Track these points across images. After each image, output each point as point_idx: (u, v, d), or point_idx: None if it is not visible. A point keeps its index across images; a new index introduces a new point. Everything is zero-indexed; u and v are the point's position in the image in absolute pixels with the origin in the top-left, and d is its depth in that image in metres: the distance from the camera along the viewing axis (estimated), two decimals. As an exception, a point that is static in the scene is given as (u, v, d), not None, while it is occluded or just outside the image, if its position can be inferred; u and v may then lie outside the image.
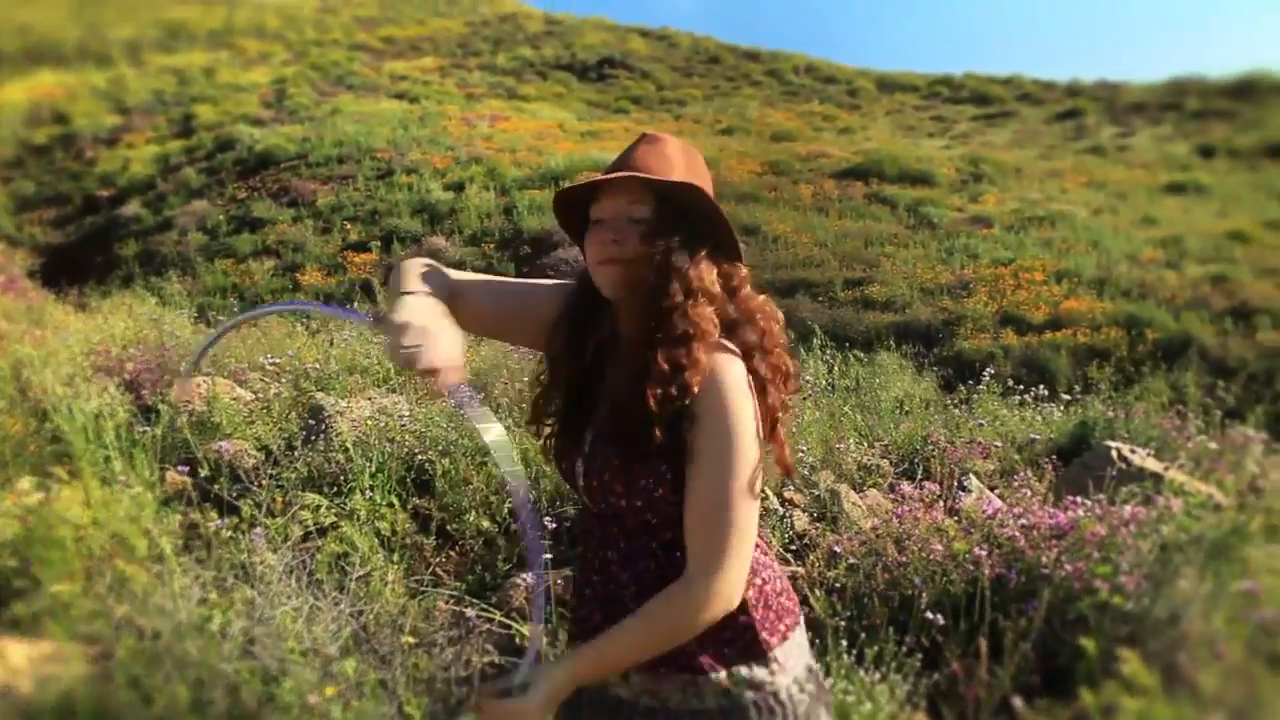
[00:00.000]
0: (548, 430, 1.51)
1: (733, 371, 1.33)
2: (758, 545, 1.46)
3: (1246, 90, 26.73)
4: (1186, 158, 22.89)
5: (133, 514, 2.91)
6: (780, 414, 1.43)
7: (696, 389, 1.30)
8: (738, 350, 1.37)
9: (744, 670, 1.38)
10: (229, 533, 2.60)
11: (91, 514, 2.86)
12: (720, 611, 1.32)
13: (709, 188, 1.41)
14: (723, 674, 1.37)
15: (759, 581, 1.43)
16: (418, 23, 38.66)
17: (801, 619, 1.50)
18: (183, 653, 2.11)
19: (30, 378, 4.44)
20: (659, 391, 1.30)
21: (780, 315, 1.45)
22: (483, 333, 1.63)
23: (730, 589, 1.31)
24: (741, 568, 1.32)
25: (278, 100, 26.08)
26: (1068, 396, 6.39)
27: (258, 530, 2.54)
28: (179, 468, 3.39)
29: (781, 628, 1.43)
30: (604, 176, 1.40)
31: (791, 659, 1.42)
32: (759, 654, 1.38)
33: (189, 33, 34.04)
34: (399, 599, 2.65)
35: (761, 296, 1.44)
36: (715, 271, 1.38)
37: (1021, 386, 6.33)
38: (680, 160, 1.41)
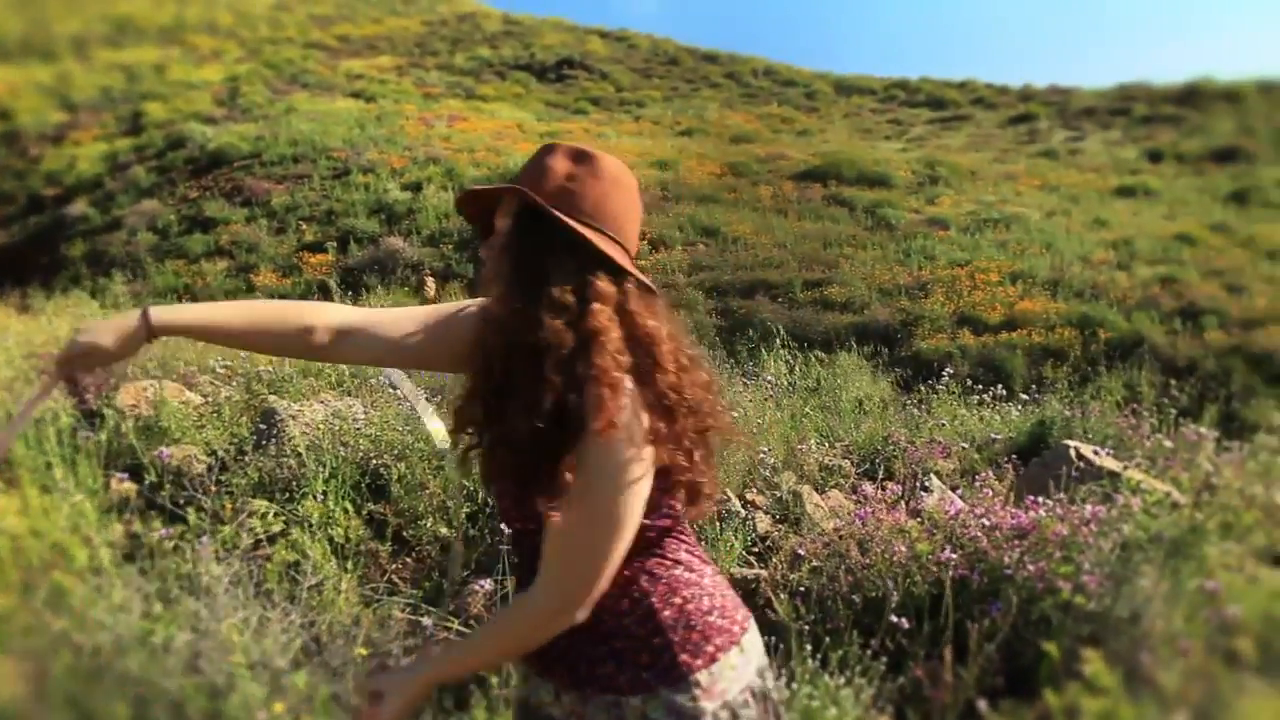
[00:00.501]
0: (464, 442, 1.45)
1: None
2: (682, 563, 1.41)
3: (1192, 96, 27.45)
4: (1135, 162, 23.39)
5: (73, 523, 2.80)
6: (677, 442, 1.31)
7: (546, 409, 1.24)
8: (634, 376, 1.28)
9: (663, 694, 1.33)
10: (174, 542, 2.51)
11: (29, 523, 2.74)
12: (561, 625, 1.29)
13: (609, 194, 1.34)
14: (638, 698, 1.33)
15: (679, 600, 1.37)
16: (374, 21, 38.22)
17: (744, 639, 1.41)
18: (123, 669, 2.02)
19: (-33, 382, 4.27)
20: (524, 420, 1.26)
21: (665, 337, 1.34)
22: (403, 363, 1.59)
23: (570, 607, 1.28)
24: (588, 589, 1.28)
25: (230, 98, 25.61)
26: (1025, 396, 6.47)
27: (204, 539, 2.45)
28: (122, 475, 3.27)
29: (709, 649, 1.36)
30: (461, 193, 1.41)
31: (721, 682, 1.35)
32: (677, 678, 1.33)
33: (138, 28, 33.31)
34: (353, 608, 2.58)
35: (607, 327, 1.28)
36: (569, 286, 1.29)
37: (979, 386, 6.39)
38: (562, 168, 1.34)
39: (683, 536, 1.44)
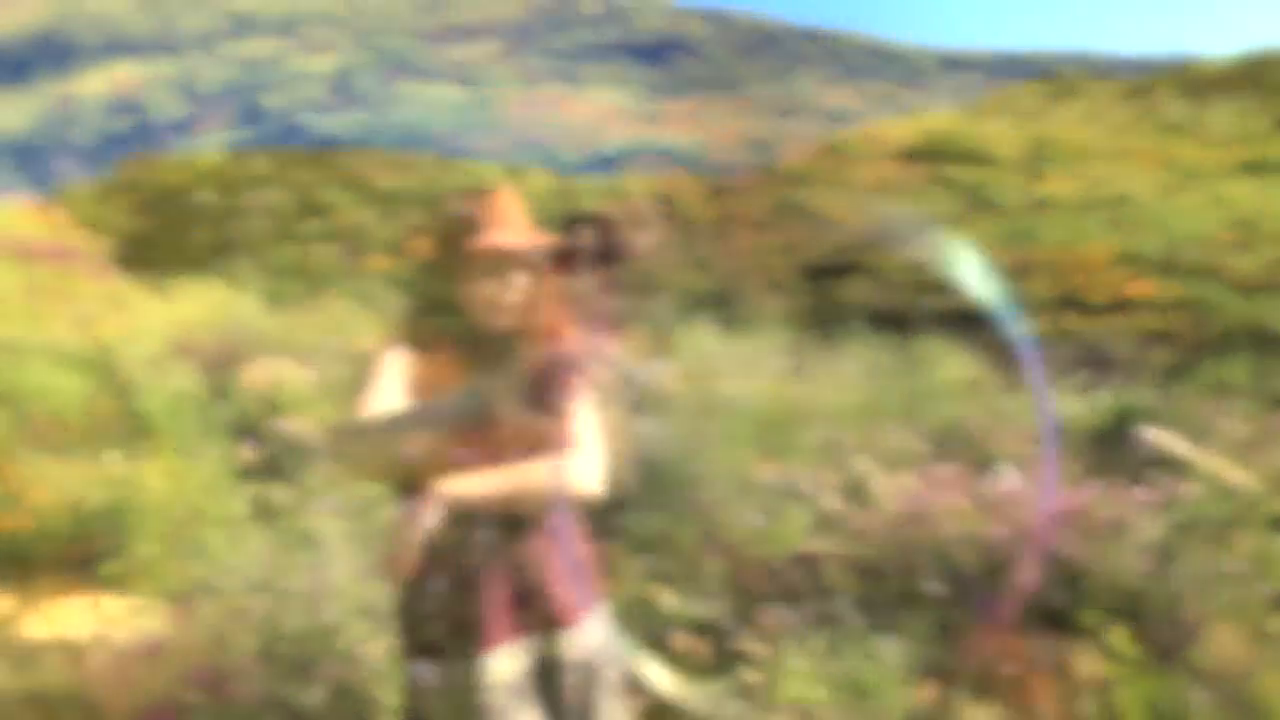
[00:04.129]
0: None
1: None
2: None
3: (1332, 63, 25.64)
4: (1265, 135, 22.04)
5: (209, 484, 3.18)
6: None
7: None
8: None
9: None
10: (294, 503, 2.83)
11: (172, 484, 3.13)
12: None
13: None
14: None
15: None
16: (477, 7, 38.99)
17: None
18: (253, 609, 2.34)
19: (115, 358, 4.76)
20: None
21: None
22: None
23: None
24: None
25: (341, 87, 26.66)
26: (1119, 382, 6.36)
27: (321, 502, 2.76)
28: (249, 443, 3.65)
29: None
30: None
31: None
32: None
33: (257, 22, 34.87)
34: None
35: None
36: None
37: (1075, 370, 6.31)
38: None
39: None
